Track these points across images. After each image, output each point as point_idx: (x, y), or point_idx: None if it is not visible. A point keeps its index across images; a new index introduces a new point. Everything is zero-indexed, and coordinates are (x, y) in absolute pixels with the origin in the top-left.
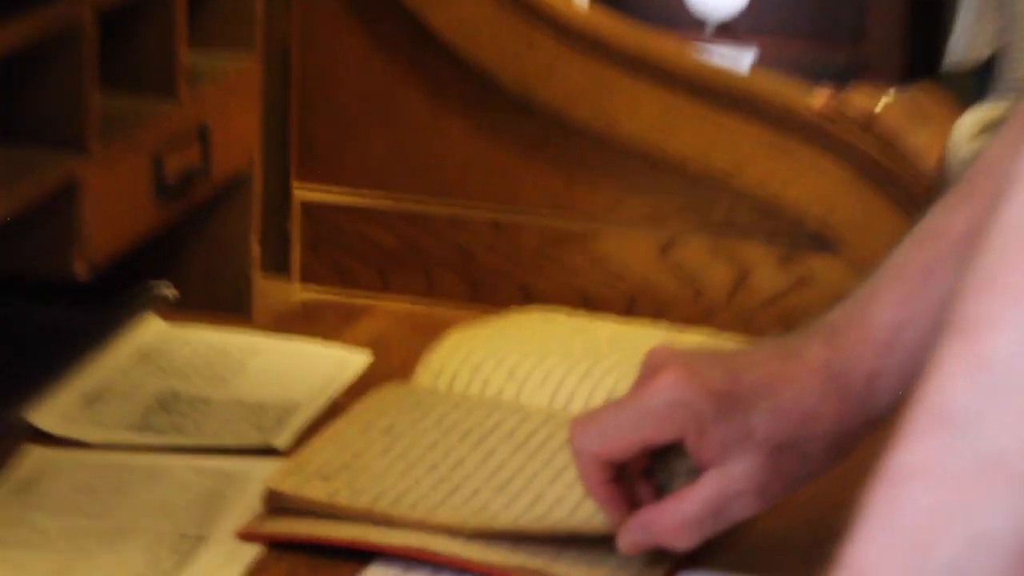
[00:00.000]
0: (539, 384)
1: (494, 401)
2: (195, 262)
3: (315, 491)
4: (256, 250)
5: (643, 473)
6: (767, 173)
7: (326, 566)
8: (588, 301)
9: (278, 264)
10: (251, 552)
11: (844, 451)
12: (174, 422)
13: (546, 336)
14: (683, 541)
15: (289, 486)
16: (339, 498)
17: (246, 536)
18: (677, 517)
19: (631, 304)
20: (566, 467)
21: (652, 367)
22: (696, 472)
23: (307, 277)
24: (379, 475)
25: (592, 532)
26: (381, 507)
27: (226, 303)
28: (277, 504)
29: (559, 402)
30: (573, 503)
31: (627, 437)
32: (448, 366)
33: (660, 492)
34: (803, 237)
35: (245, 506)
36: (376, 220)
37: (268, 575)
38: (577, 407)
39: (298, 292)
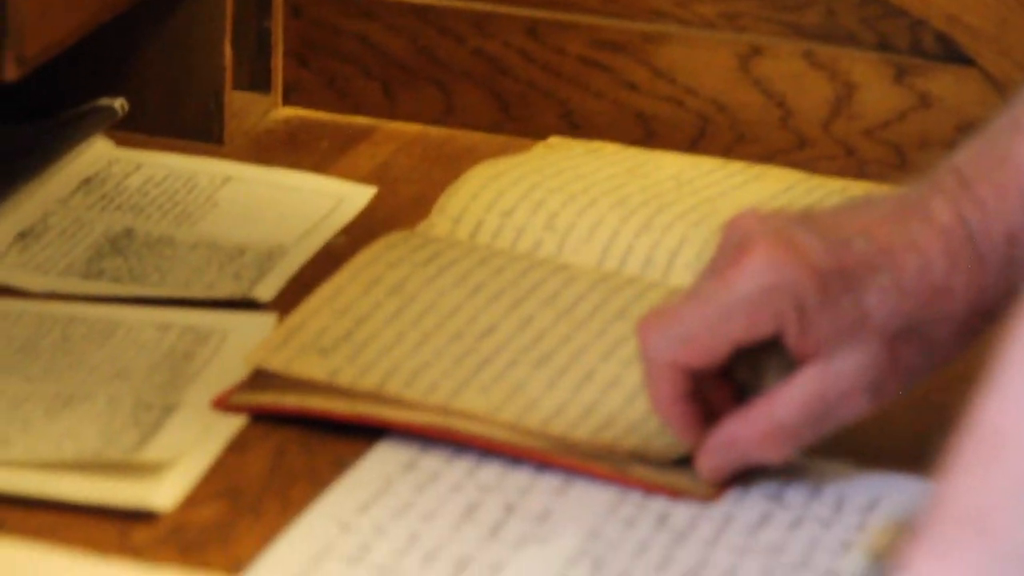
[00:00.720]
0: (586, 237)
1: (530, 256)
2: (153, 72)
3: (311, 368)
4: (228, 56)
5: (719, 374)
6: None
7: (323, 443)
8: (647, 125)
9: (256, 75)
10: (230, 425)
11: (976, 332)
12: (130, 267)
13: (594, 174)
14: (776, 452)
15: (278, 362)
16: (341, 377)
17: (223, 406)
18: (768, 423)
19: (702, 130)
20: (622, 341)
21: (735, 241)
22: (790, 367)
23: (293, 92)
24: (389, 346)
25: (664, 452)
26: (393, 388)
27: (192, 123)
28: (262, 379)
29: (611, 260)
30: (632, 386)
31: (712, 338)
32: (471, 210)
33: (742, 395)
34: (923, 45)
35: (220, 370)
36: (381, 18)
37: (250, 454)
38: (634, 268)
39: (282, 110)
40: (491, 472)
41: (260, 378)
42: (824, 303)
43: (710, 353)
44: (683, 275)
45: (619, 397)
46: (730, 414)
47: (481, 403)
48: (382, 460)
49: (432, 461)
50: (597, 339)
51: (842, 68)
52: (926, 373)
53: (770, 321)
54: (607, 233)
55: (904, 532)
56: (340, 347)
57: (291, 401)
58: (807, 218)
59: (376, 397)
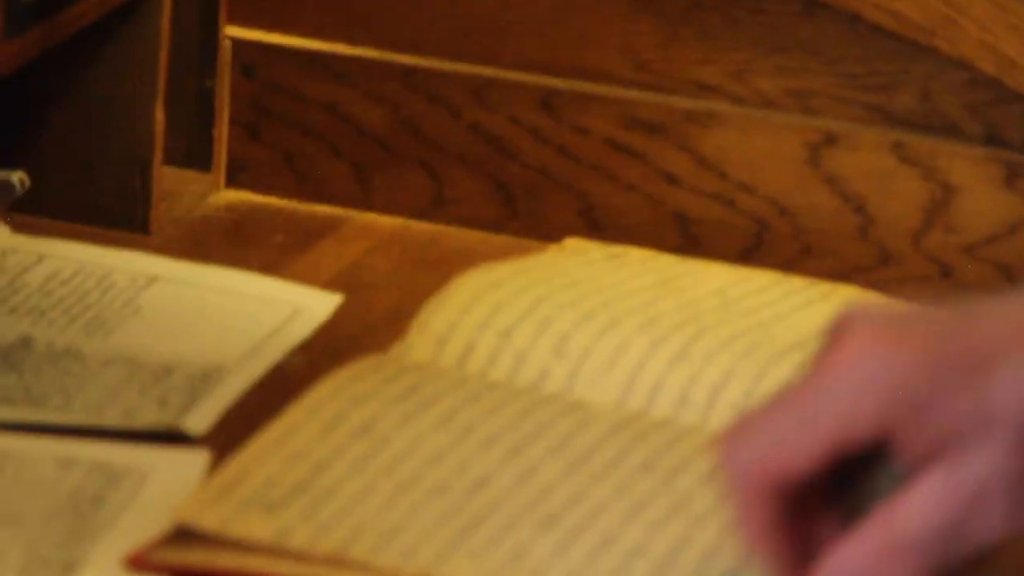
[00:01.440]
0: (605, 367)
1: (534, 391)
2: (62, 139)
3: (254, 527)
4: (159, 122)
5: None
6: (988, 26)
7: None
8: (688, 230)
9: (194, 148)
10: None
11: None
12: (27, 385)
13: (617, 287)
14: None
15: (213, 520)
16: (293, 538)
17: (139, 565)
18: (886, 541)
19: (758, 238)
20: (650, 499)
21: (835, 334)
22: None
23: (240, 171)
24: (354, 501)
25: None
26: (359, 551)
27: (110, 206)
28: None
29: (637, 397)
30: (662, 554)
31: (806, 438)
32: (460, 329)
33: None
34: None
35: (137, 519)
36: (355, 82)
37: None
38: (665, 407)
39: (225, 193)
40: None
41: (187, 532)
42: (939, 392)
43: (805, 457)
44: (727, 417)
45: (646, 568)
46: (838, 538)
47: (471, 572)
48: None
49: None
50: (618, 497)
51: (940, 166)
52: None
53: (872, 417)
54: (632, 362)
55: None
56: (292, 501)
57: (227, 561)
58: (923, 312)
59: (338, 562)
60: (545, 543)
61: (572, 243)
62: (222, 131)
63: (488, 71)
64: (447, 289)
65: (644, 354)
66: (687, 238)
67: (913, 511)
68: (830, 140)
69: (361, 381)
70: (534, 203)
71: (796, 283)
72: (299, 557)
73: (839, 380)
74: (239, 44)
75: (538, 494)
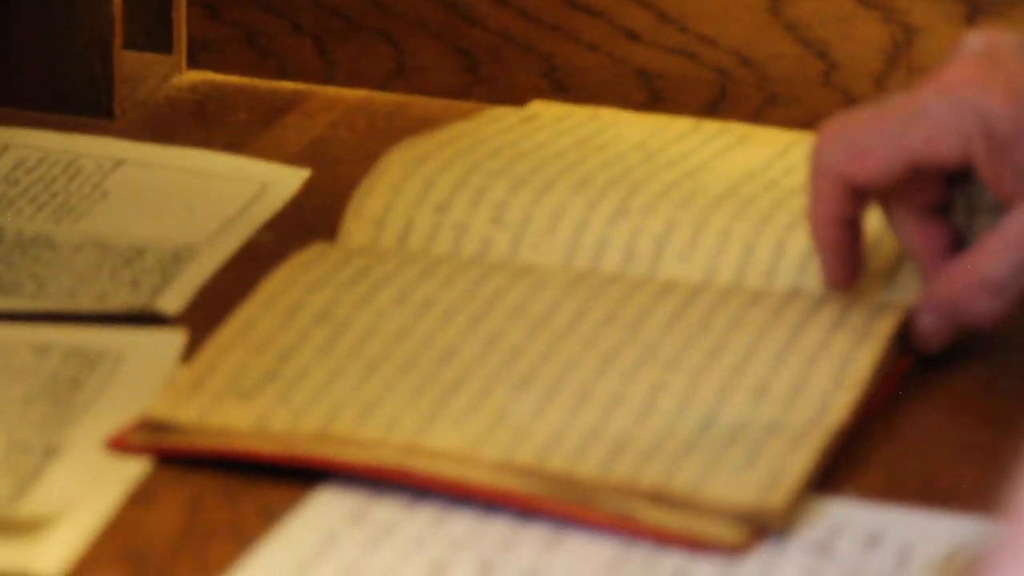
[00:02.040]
0: (546, 230)
1: (481, 261)
2: (22, 28)
3: (232, 416)
4: (119, 7)
5: (940, 211)
6: None
7: (247, 491)
8: (652, 85)
9: (154, 30)
10: (130, 470)
11: None
12: None
13: (540, 150)
14: (984, 311)
15: (190, 413)
16: (273, 422)
17: (121, 447)
18: (973, 278)
19: (722, 91)
20: (618, 350)
21: (951, 59)
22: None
23: (202, 51)
24: (327, 382)
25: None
26: (342, 428)
27: (73, 92)
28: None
29: (583, 256)
30: (642, 402)
31: (888, 151)
32: (396, 209)
33: (961, 239)
34: None
35: (115, 401)
36: None
37: (158, 507)
38: (613, 262)
39: (187, 75)
40: (462, 523)
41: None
42: (1021, 132)
43: (883, 168)
44: (677, 267)
45: (626, 418)
46: (938, 272)
47: (457, 438)
48: (322, 510)
49: (386, 510)
50: (586, 351)
51: (900, 7)
52: None
53: (954, 142)
54: (573, 223)
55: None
56: (265, 388)
57: (208, 441)
58: None
59: (322, 439)
60: (523, 404)
61: (540, 106)
62: (181, 12)
63: None
64: (375, 170)
65: (583, 214)
66: (651, 94)
67: (993, 251)
68: None
69: (311, 269)
70: (497, 68)
71: (710, 128)
72: (290, 437)
73: (931, 103)
74: None
75: (507, 358)
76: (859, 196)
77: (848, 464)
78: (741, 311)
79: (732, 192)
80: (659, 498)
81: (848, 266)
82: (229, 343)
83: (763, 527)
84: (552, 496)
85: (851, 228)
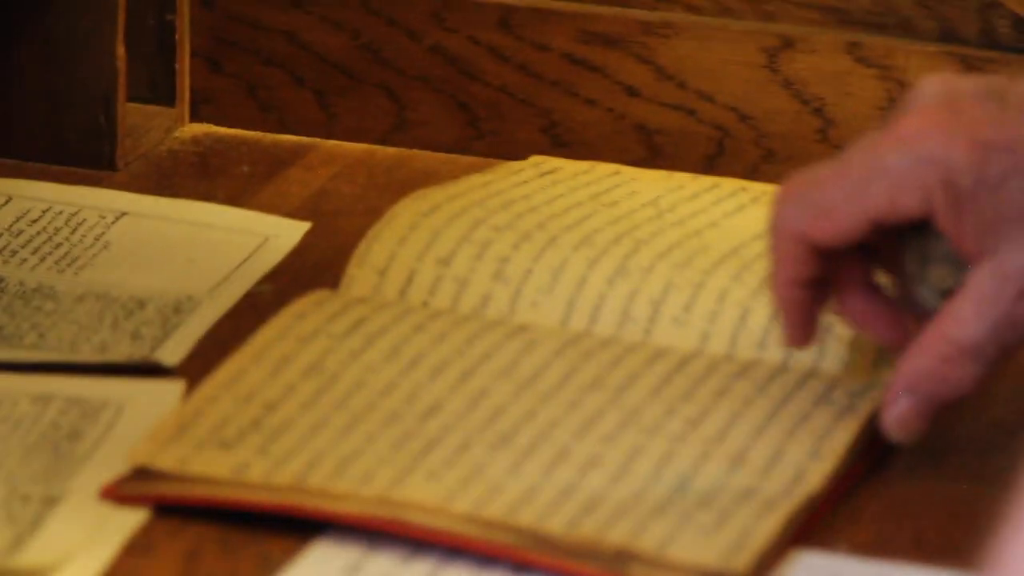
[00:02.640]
0: (546, 288)
1: (478, 317)
2: (26, 79)
3: (211, 464)
4: (121, 58)
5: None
6: None
7: (245, 542)
8: (651, 141)
9: (157, 82)
10: (129, 520)
11: None
12: (0, 325)
13: (550, 205)
14: (963, 377)
15: (170, 460)
16: (251, 472)
17: (114, 496)
18: (945, 345)
19: (720, 146)
20: (600, 415)
21: (904, 108)
22: (961, 268)
23: (204, 103)
24: (309, 434)
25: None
26: (317, 479)
27: (76, 144)
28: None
29: (579, 317)
30: (617, 466)
31: (849, 208)
32: (400, 259)
33: (914, 301)
34: (997, 34)
35: (115, 452)
36: (314, 9)
37: (156, 557)
38: (608, 325)
39: (190, 127)
40: (459, 574)
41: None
42: (983, 183)
43: (846, 227)
44: (670, 331)
45: (601, 479)
46: (904, 353)
47: (430, 491)
48: (319, 561)
49: (383, 563)
50: (568, 414)
51: (895, 64)
52: None
53: (916, 195)
54: (572, 282)
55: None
56: (246, 439)
57: (199, 491)
58: (1003, 85)
59: (295, 491)
60: (500, 461)
61: (539, 160)
62: (184, 64)
63: None
64: (383, 220)
65: (583, 273)
66: (650, 149)
67: (963, 312)
68: (787, 44)
69: (306, 320)
70: (497, 122)
71: (727, 187)
72: (263, 488)
73: (890, 156)
74: None
75: (490, 416)
76: (821, 257)
77: (839, 519)
78: (728, 382)
79: (735, 253)
80: (623, 556)
81: (809, 328)
82: (216, 392)
83: None
84: (538, 549)
85: (813, 290)
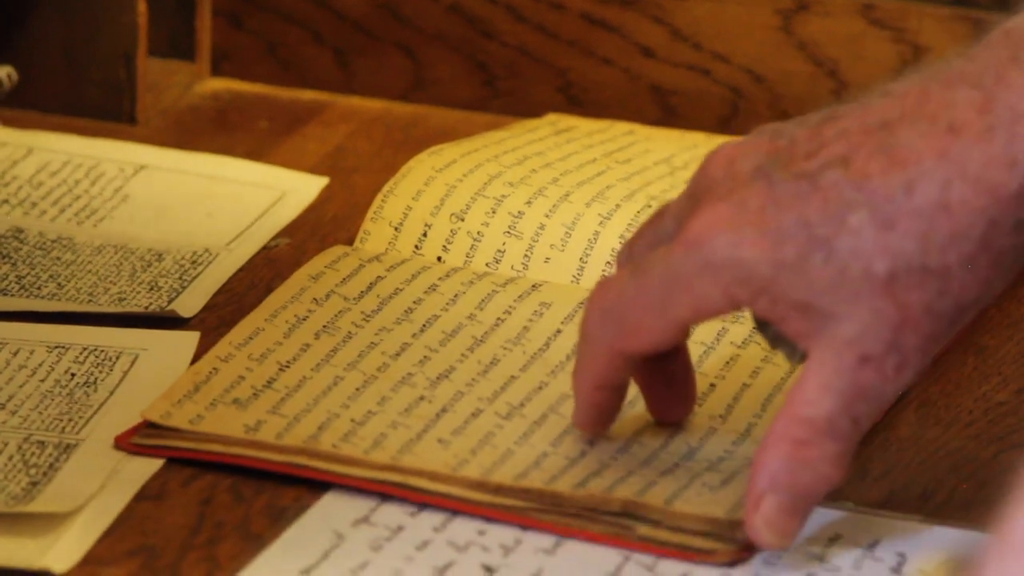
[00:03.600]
0: (559, 243)
1: (491, 277)
2: (47, 34)
3: (225, 423)
4: (142, 13)
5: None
6: None
7: (258, 491)
8: (665, 101)
9: (177, 38)
10: (143, 467)
11: (1010, 254)
12: (19, 275)
13: (567, 162)
14: (825, 462)
15: (183, 417)
16: (263, 432)
17: (127, 447)
18: (799, 428)
19: (734, 107)
20: None
21: (698, 192)
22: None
23: (224, 59)
24: (321, 394)
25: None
26: (327, 442)
27: (97, 98)
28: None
29: (591, 272)
30: (628, 434)
31: (658, 321)
32: (415, 214)
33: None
34: None
35: (129, 400)
36: None
37: (169, 503)
38: None
39: (209, 82)
40: (466, 527)
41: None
42: (783, 268)
43: (655, 339)
44: None
45: (610, 448)
46: (758, 449)
47: (439, 458)
48: (330, 512)
49: (392, 514)
50: None
51: (909, 27)
52: (958, 317)
53: (716, 298)
54: (584, 237)
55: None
56: (260, 397)
57: (211, 448)
58: (780, 151)
59: (305, 453)
60: (510, 430)
61: (556, 118)
62: (204, 20)
63: None
64: (398, 174)
65: (595, 228)
66: (665, 110)
67: (812, 395)
68: (802, 6)
69: (321, 280)
70: (514, 81)
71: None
72: (274, 448)
73: (684, 266)
74: None
75: (499, 385)
76: (629, 362)
77: (848, 475)
78: (734, 351)
79: None
80: (630, 509)
81: (607, 421)
82: (231, 351)
83: (734, 541)
84: (544, 510)
85: (617, 392)
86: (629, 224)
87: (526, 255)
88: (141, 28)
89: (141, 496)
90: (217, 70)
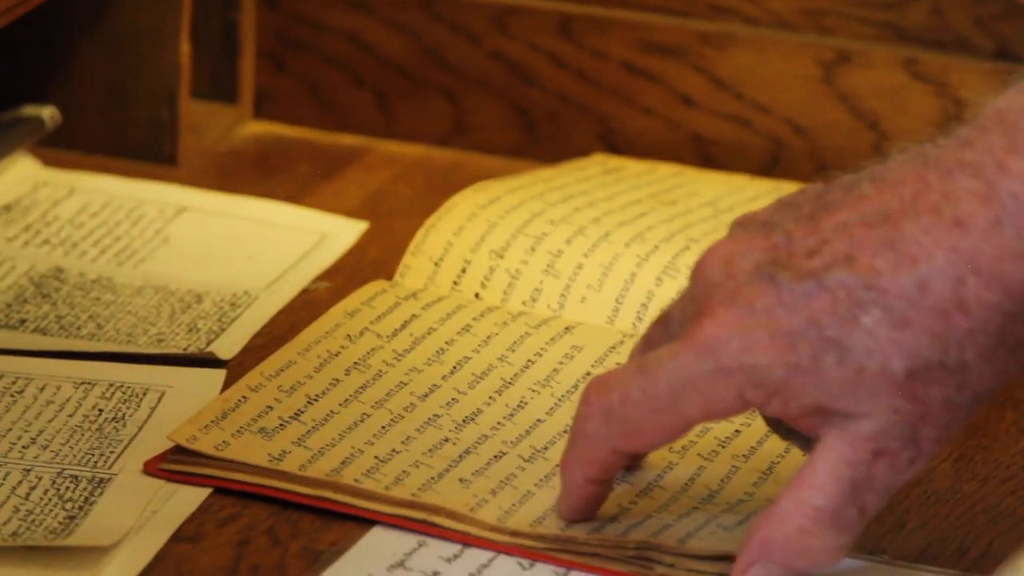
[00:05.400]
0: (596, 284)
1: (525, 317)
2: (91, 74)
3: (249, 451)
4: (185, 55)
5: None
6: None
7: (297, 533)
8: (705, 150)
9: (220, 80)
10: (180, 504)
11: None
12: (59, 314)
13: (610, 202)
14: (824, 552)
15: (208, 442)
16: (286, 462)
17: (154, 472)
18: (802, 514)
19: (774, 157)
20: None
21: (698, 296)
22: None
23: (266, 102)
24: (347, 429)
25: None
26: (349, 476)
27: (139, 139)
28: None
29: (626, 315)
30: (647, 481)
31: (664, 422)
32: (455, 250)
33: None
34: None
35: (158, 435)
36: (376, 11)
37: (206, 543)
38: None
39: (251, 125)
40: (505, 571)
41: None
42: (797, 371)
43: (658, 440)
44: None
45: (629, 492)
46: (756, 521)
47: (459, 497)
48: (366, 556)
49: (429, 558)
50: None
51: (950, 80)
52: (975, 407)
53: (730, 401)
54: (621, 278)
55: None
56: (287, 428)
57: (234, 475)
58: (778, 249)
59: (329, 485)
60: (531, 473)
61: (598, 158)
62: (247, 63)
63: None
64: (441, 209)
65: (633, 269)
66: (704, 159)
67: (817, 479)
68: (843, 58)
69: (356, 318)
70: (554, 128)
71: (788, 191)
72: (297, 479)
73: (695, 369)
74: None
75: (525, 429)
76: (627, 459)
77: (885, 527)
78: None
79: None
80: (644, 551)
81: (594, 511)
82: (261, 381)
83: None
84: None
85: (609, 484)
86: (666, 267)
87: (562, 295)
88: (184, 69)
89: (178, 536)
90: (259, 112)
